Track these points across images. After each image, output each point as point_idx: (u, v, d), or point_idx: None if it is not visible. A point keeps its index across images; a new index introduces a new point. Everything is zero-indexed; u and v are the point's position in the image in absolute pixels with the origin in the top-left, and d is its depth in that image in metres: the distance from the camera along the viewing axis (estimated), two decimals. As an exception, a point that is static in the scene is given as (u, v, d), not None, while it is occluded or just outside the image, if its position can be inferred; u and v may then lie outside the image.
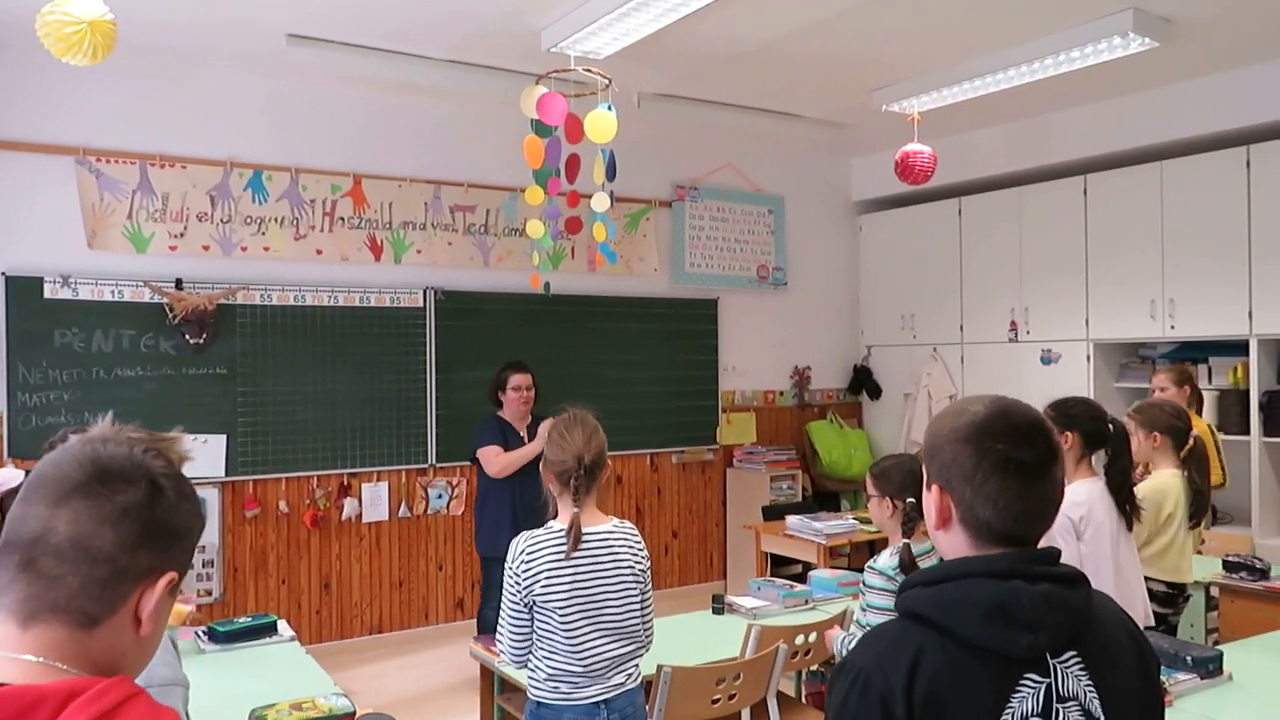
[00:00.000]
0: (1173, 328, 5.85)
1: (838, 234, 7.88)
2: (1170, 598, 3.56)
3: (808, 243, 7.65)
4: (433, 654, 5.65)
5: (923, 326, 7.36)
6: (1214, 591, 4.11)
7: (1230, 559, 4.12)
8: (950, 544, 1.38)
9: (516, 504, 4.72)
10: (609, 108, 4.41)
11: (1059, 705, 1.29)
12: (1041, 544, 1.38)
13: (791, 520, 5.27)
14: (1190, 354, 5.98)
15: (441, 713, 4.71)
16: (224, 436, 5.43)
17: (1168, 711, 2.57)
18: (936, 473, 1.38)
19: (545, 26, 4.78)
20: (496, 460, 4.80)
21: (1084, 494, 3.04)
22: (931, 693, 1.24)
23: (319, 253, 5.74)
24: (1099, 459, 3.18)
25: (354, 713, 2.50)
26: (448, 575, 6.14)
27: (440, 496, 6.06)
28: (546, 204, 4.76)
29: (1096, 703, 1.31)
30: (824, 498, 7.16)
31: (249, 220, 5.56)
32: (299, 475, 5.65)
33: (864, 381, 7.74)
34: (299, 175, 5.68)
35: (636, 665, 2.61)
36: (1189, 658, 2.75)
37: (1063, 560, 1.35)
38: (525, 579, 2.48)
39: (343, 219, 5.82)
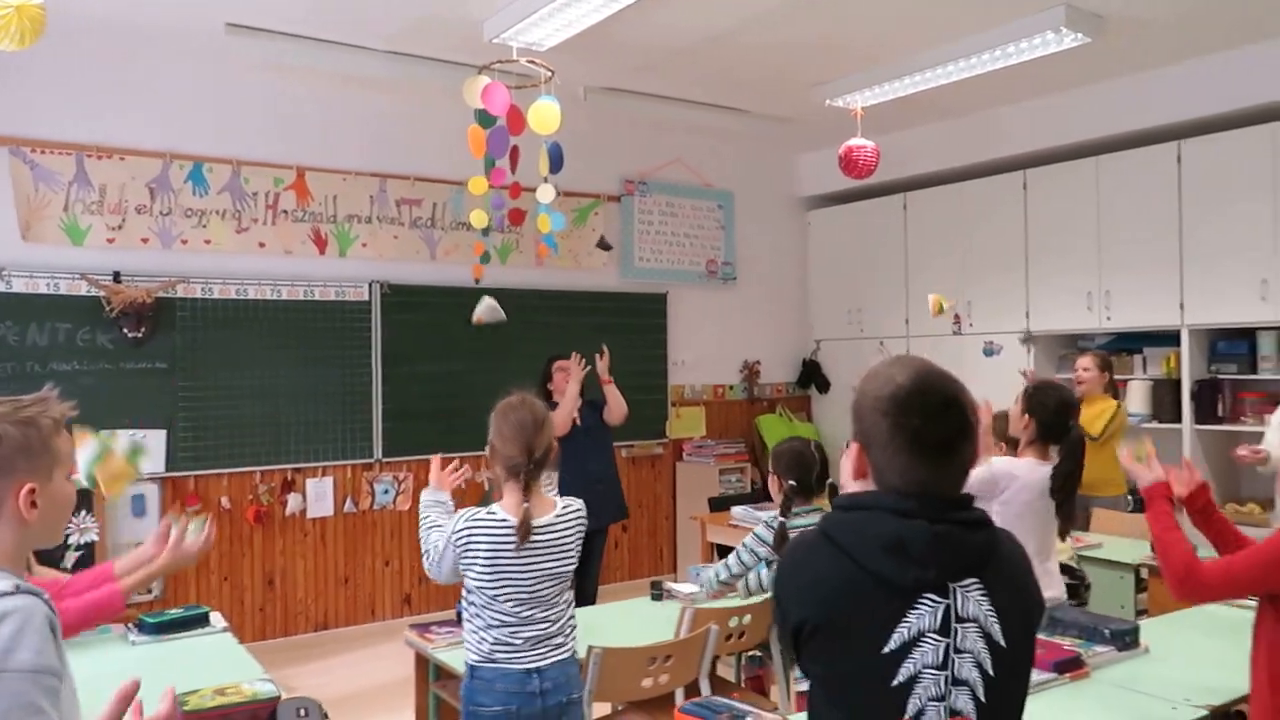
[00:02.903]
0: (1109, 319, 5.98)
1: (786, 229, 7.95)
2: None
3: (757, 238, 7.71)
4: (379, 650, 5.61)
5: (869, 320, 7.45)
6: (1144, 573, 4.21)
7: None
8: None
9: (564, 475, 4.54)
10: (552, 99, 4.42)
11: (958, 625, 1.37)
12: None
13: (736, 510, 5.31)
14: (1126, 345, 6.12)
15: (381, 707, 4.68)
16: (164, 432, 5.36)
17: (1086, 683, 2.64)
18: (859, 433, 1.47)
19: (487, 17, 4.78)
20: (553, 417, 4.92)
21: (1024, 470, 3.15)
22: (826, 599, 1.38)
23: (262, 246, 5.68)
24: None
25: (279, 697, 2.48)
26: (395, 571, 6.11)
27: (387, 492, 6.02)
28: (490, 195, 4.76)
29: (997, 627, 1.39)
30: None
31: (189, 213, 5.49)
32: (242, 471, 5.58)
33: (813, 375, 7.81)
34: (241, 168, 5.62)
35: (569, 635, 2.65)
36: (1107, 631, 2.82)
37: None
38: (460, 555, 2.54)
39: (286, 212, 5.76)
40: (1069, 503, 3.24)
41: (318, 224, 5.86)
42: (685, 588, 3.75)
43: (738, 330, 7.60)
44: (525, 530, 2.48)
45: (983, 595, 1.39)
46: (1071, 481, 3.23)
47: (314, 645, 5.70)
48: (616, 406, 5.25)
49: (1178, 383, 5.68)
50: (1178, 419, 5.64)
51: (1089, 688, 2.61)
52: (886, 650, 1.35)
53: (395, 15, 4.78)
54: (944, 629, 1.37)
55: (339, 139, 5.92)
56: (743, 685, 3.71)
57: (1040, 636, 2.83)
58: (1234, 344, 5.60)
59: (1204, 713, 2.40)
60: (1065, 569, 3.59)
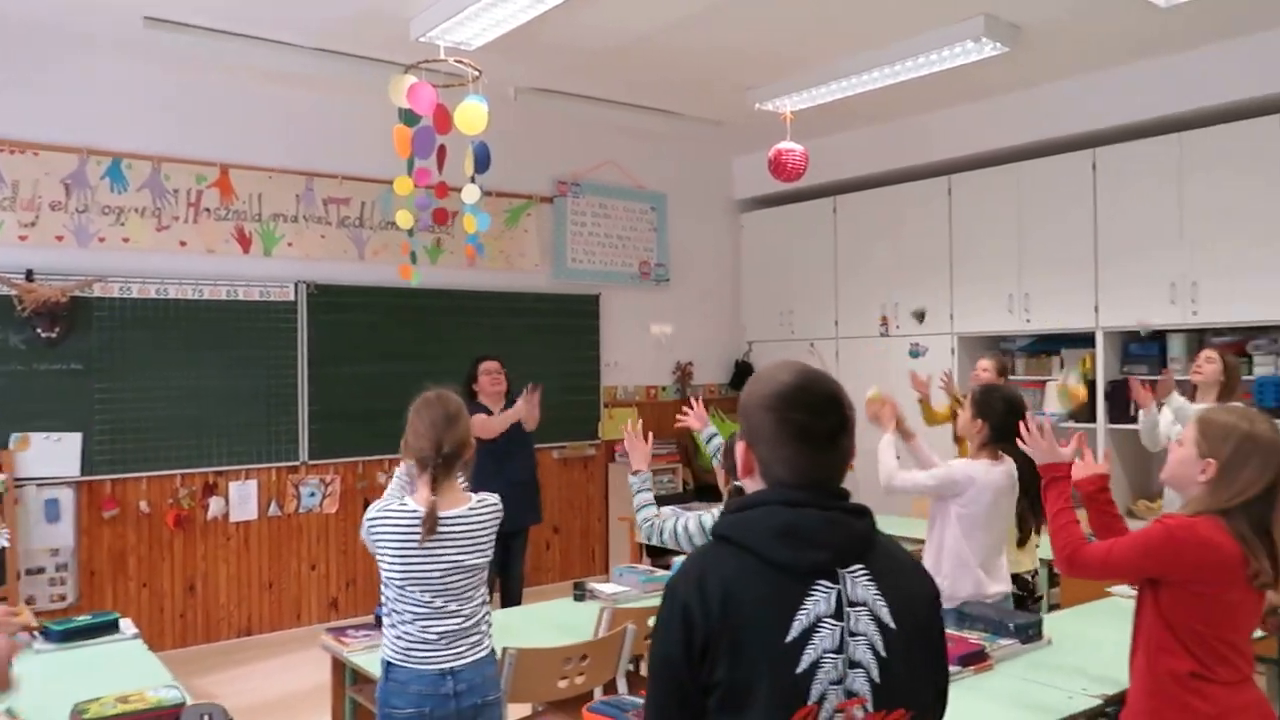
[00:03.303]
0: (1029, 321, 6.14)
1: (719, 231, 8.02)
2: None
3: (690, 240, 7.76)
4: (303, 656, 5.50)
5: (800, 322, 7.55)
6: (1056, 569, 4.31)
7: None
8: (753, 489, 1.54)
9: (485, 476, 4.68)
10: (480, 99, 4.40)
11: (850, 609, 1.43)
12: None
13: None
14: (1045, 346, 6.29)
15: (298, 713, 4.61)
16: (79, 435, 5.22)
17: (989, 675, 2.71)
18: (745, 432, 1.53)
19: (414, 15, 4.75)
20: (486, 423, 5.01)
21: (980, 473, 3.26)
22: (728, 595, 1.40)
23: (183, 244, 5.56)
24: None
25: (184, 704, 2.44)
26: (321, 575, 6.02)
27: (313, 495, 5.94)
28: (415, 194, 4.72)
29: (885, 610, 1.45)
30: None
31: (107, 210, 5.36)
32: (161, 474, 5.46)
33: (745, 376, 7.87)
34: (162, 164, 5.50)
35: (486, 634, 2.64)
36: (1011, 624, 2.90)
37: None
38: (373, 545, 2.56)
39: (209, 210, 5.65)
40: (1037, 513, 3.38)
41: (242, 222, 5.75)
42: (608, 588, 3.77)
43: (671, 331, 7.64)
44: (431, 523, 2.48)
45: (869, 580, 1.45)
46: (1036, 473, 3.34)
47: (236, 651, 5.60)
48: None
49: (1093, 383, 5.85)
50: (1093, 418, 5.81)
51: (992, 679, 2.68)
52: (789, 639, 1.39)
53: (319, 12, 4.72)
54: (838, 613, 1.42)
55: (264, 136, 5.83)
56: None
57: (949, 631, 2.92)
58: (1145, 346, 5.78)
59: (1098, 701, 2.48)
60: (1016, 579, 3.68)
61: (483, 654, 2.62)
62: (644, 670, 3.72)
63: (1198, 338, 5.59)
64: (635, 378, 7.43)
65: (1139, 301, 5.58)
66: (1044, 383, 6.18)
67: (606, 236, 7.28)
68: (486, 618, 2.67)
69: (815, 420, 1.46)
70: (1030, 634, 2.89)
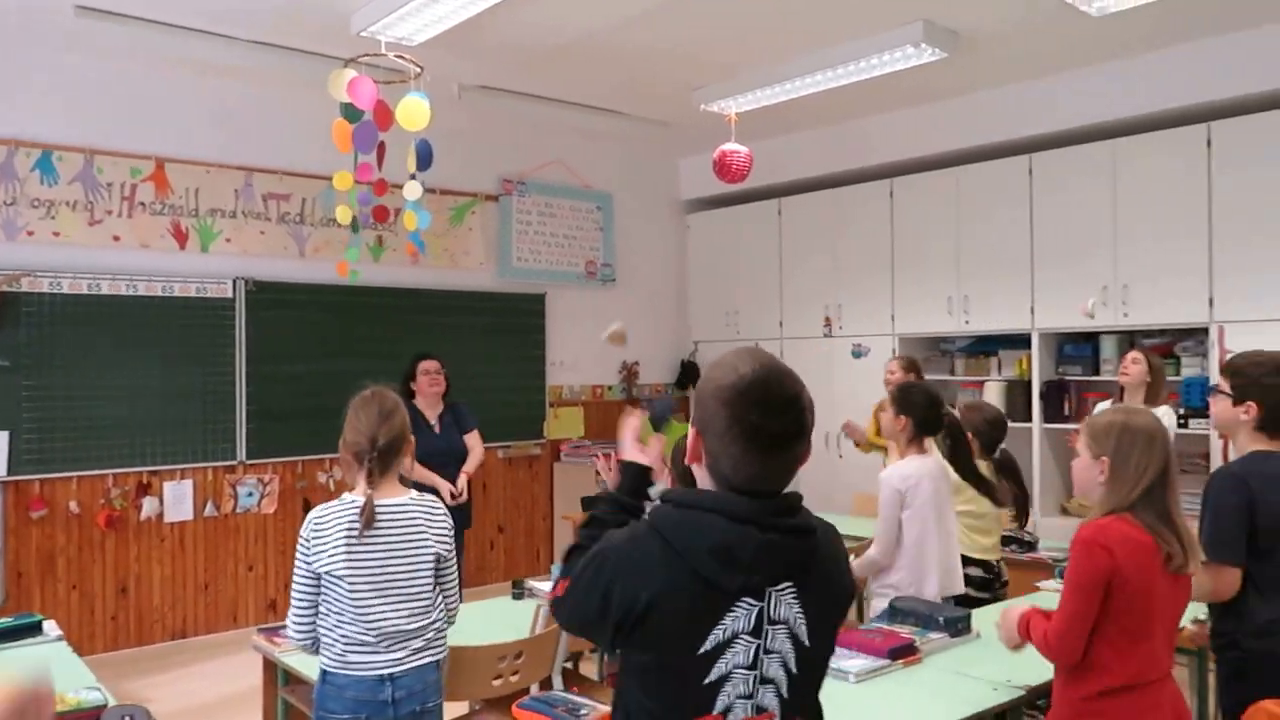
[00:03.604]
0: (967, 323, 6.25)
1: (666, 232, 8.04)
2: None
3: (636, 240, 7.78)
4: (240, 658, 5.40)
5: (745, 322, 7.60)
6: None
7: (1005, 534, 4.42)
8: (700, 478, 1.51)
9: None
10: (422, 95, 4.37)
11: (769, 626, 1.43)
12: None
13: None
14: (984, 347, 6.41)
15: (230, 715, 4.53)
16: (5, 433, 5.08)
17: (918, 668, 2.76)
18: (698, 419, 1.49)
19: (354, 10, 4.70)
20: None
21: (913, 469, 3.35)
22: (653, 603, 1.38)
23: (116, 239, 5.44)
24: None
25: (104, 705, 2.39)
26: (259, 576, 5.93)
27: (251, 495, 5.84)
28: (356, 191, 4.67)
29: (804, 628, 1.46)
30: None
31: (36, 203, 5.22)
32: (93, 474, 5.33)
33: (691, 376, 7.91)
34: (94, 157, 5.38)
35: (432, 641, 2.59)
36: (941, 618, 2.95)
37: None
38: (314, 549, 2.49)
39: (144, 204, 5.54)
40: (973, 475, 3.57)
41: (178, 217, 5.64)
42: (546, 585, 3.75)
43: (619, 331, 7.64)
44: (369, 515, 2.45)
45: (794, 598, 1.45)
46: (962, 454, 3.52)
47: (170, 654, 5.49)
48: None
49: (1029, 384, 5.98)
50: (1029, 418, 5.93)
51: (920, 672, 2.72)
52: (702, 651, 1.39)
53: (257, 4, 4.65)
54: (756, 631, 1.42)
55: (201, 129, 5.72)
56: (604, 682, 3.74)
57: (881, 625, 2.96)
58: (1079, 347, 5.92)
59: (1021, 693, 2.53)
60: (984, 565, 3.81)
61: (426, 660, 2.57)
62: (581, 669, 3.72)
63: (1129, 339, 5.74)
64: (582, 377, 7.43)
65: (1073, 303, 5.70)
66: (982, 383, 6.30)
67: (552, 236, 7.27)
68: (436, 624, 2.60)
69: (769, 422, 1.42)
70: (959, 628, 2.94)
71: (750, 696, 1.42)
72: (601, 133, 7.08)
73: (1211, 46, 5.14)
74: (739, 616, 1.41)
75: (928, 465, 3.39)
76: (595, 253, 7.50)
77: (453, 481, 4.94)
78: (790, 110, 6.22)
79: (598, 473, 3.22)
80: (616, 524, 1.55)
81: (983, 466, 3.87)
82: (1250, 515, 2.54)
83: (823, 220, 7.10)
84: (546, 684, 3.07)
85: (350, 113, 4.45)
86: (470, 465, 5.11)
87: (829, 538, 1.55)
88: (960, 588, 3.46)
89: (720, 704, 1.40)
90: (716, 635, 1.39)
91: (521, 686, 3.00)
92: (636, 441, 1.78)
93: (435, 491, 4.77)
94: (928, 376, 6.56)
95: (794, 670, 1.45)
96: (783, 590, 1.43)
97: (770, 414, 1.42)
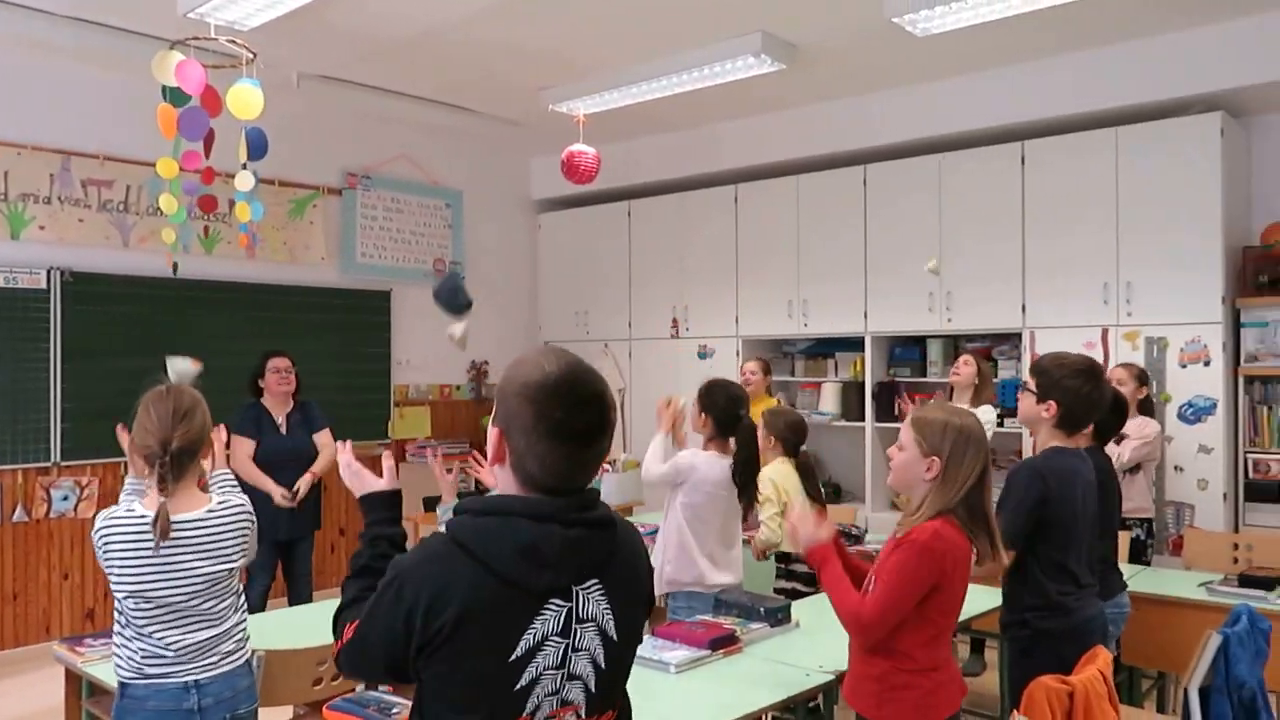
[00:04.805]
0: (806, 326, 6.48)
1: (517, 231, 8.01)
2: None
3: (487, 238, 7.72)
4: (52, 671, 5.08)
5: (595, 323, 7.65)
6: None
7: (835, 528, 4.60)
8: (502, 480, 1.49)
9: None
10: (254, 82, 4.21)
11: (577, 625, 1.44)
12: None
13: (441, 511, 5.27)
14: (822, 349, 6.66)
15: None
16: None
17: (738, 657, 2.85)
18: (501, 417, 1.47)
19: (182, -10, 4.49)
20: (238, 454, 4.62)
21: (702, 460, 3.45)
22: (461, 620, 1.36)
23: (-88, 223, 5.03)
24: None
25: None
26: (75, 584, 5.58)
27: (66, 498, 5.49)
28: (182, 179, 4.46)
29: (612, 624, 1.48)
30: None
31: None
32: (-119, 477, 4.91)
33: (541, 376, 7.90)
34: (-113, 133, 4.96)
35: (241, 642, 2.50)
36: (762, 609, 3.05)
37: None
38: (103, 559, 2.34)
39: (-55, 186, 5.14)
40: (751, 485, 3.55)
41: (-15, 202, 5.26)
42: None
43: (466, 330, 7.54)
44: (163, 527, 2.30)
45: (601, 595, 1.47)
46: (750, 466, 3.53)
47: (-28, 671, 5.11)
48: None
49: (862, 385, 6.25)
50: (862, 417, 6.20)
51: (740, 661, 2.81)
52: (513, 658, 1.39)
53: (74, -22, 4.39)
54: (565, 630, 1.43)
55: (13, 109, 5.34)
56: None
57: (706, 618, 3.04)
58: (908, 350, 6.23)
59: (830, 677, 2.65)
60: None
61: (234, 665, 2.46)
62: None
63: (954, 343, 6.08)
64: (429, 376, 7.31)
65: (902, 309, 6.00)
66: (820, 384, 6.54)
67: (399, 232, 7.13)
68: (239, 628, 2.50)
69: (575, 418, 1.42)
70: (779, 618, 3.05)
71: (557, 693, 1.44)
72: (451, 129, 6.99)
73: (1027, 70, 5.50)
74: (548, 619, 1.41)
75: (716, 468, 3.43)
76: (444, 250, 7.40)
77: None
78: (640, 114, 6.31)
79: (448, 470, 3.16)
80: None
81: (786, 468, 4.02)
82: (1043, 506, 2.74)
83: (671, 223, 7.23)
84: (372, 686, 3.01)
85: (176, 97, 4.25)
86: (318, 466, 4.98)
87: (628, 531, 1.58)
88: (737, 577, 3.52)
89: (530, 705, 1.41)
90: (527, 640, 1.40)
91: (344, 689, 2.93)
92: (362, 469, 1.83)
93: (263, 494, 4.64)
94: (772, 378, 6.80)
95: (602, 665, 1.48)
96: (589, 588, 1.45)
97: (577, 410, 1.43)
